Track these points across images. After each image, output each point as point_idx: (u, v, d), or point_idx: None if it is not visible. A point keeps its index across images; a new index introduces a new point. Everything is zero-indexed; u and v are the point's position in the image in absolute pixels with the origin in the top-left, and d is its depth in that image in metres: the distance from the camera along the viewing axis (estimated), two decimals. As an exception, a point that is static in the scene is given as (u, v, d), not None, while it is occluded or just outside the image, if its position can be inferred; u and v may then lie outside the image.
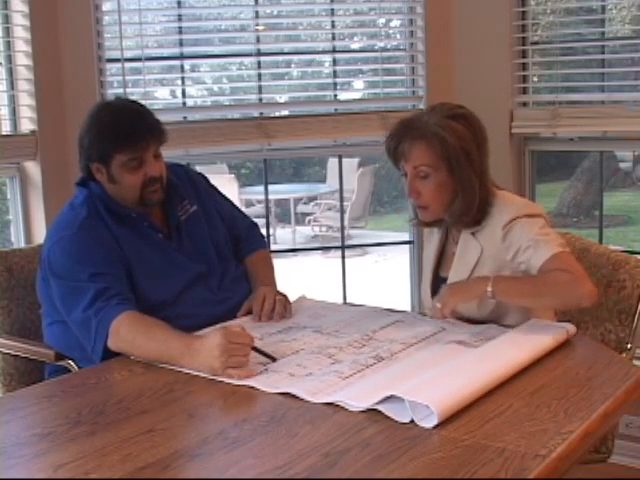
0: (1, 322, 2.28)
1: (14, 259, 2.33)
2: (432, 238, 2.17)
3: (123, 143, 1.99)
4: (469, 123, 1.96)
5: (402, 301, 3.65)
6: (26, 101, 2.93)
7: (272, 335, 1.95)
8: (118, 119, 2.02)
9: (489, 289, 1.74)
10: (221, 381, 1.66)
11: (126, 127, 2.00)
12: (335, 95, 3.35)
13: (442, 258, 2.13)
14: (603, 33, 3.13)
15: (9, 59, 2.92)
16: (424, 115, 1.98)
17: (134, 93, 3.07)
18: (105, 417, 1.51)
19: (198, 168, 2.81)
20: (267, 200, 3.89)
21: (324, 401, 1.51)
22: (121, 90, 3.05)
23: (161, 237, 2.11)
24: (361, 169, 8.35)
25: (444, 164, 1.94)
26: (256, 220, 2.48)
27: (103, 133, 2.01)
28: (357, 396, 1.50)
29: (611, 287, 2.03)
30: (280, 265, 2.47)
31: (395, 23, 3.44)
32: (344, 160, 3.79)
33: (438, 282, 2.10)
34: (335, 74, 3.29)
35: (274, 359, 1.74)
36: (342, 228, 3.87)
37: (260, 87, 3.21)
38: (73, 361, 2.00)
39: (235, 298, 2.15)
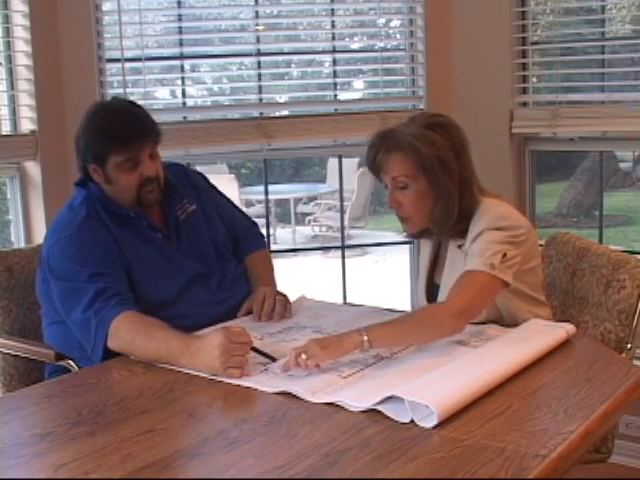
0: (1, 322, 2.28)
1: (14, 259, 2.33)
2: (427, 241, 2.17)
3: (118, 144, 1.99)
4: (446, 131, 1.94)
5: (402, 301, 3.66)
6: (26, 101, 2.93)
7: (272, 335, 1.95)
8: (113, 120, 2.02)
9: (365, 338, 1.71)
10: (221, 381, 1.66)
11: (120, 128, 2.00)
12: (335, 95, 3.35)
13: (436, 263, 2.13)
14: (603, 33, 3.13)
15: (9, 59, 2.92)
16: (402, 125, 1.97)
17: (134, 93, 3.07)
18: (105, 417, 1.51)
19: (198, 168, 2.81)
20: (267, 200, 3.90)
21: (324, 401, 1.51)
22: (121, 90, 3.05)
23: (160, 237, 2.11)
24: (361, 169, 8.33)
25: (421, 173, 1.92)
26: (256, 220, 2.48)
27: (98, 134, 2.01)
28: (357, 396, 1.50)
29: (611, 287, 2.03)
30: (280, 265, 2.47)
31: (395, 23, 3.44)
32: (344, 160, 3.79)
33: (432, 288, 2.11)
34: (335, 74, 3.29)
35: (274, 359, 1.74)
36: (342, 228, 3.86)
37: (260, 87, 3.21)
38: (73, 361, 2.00)
39: (235, 298, 2.16)
